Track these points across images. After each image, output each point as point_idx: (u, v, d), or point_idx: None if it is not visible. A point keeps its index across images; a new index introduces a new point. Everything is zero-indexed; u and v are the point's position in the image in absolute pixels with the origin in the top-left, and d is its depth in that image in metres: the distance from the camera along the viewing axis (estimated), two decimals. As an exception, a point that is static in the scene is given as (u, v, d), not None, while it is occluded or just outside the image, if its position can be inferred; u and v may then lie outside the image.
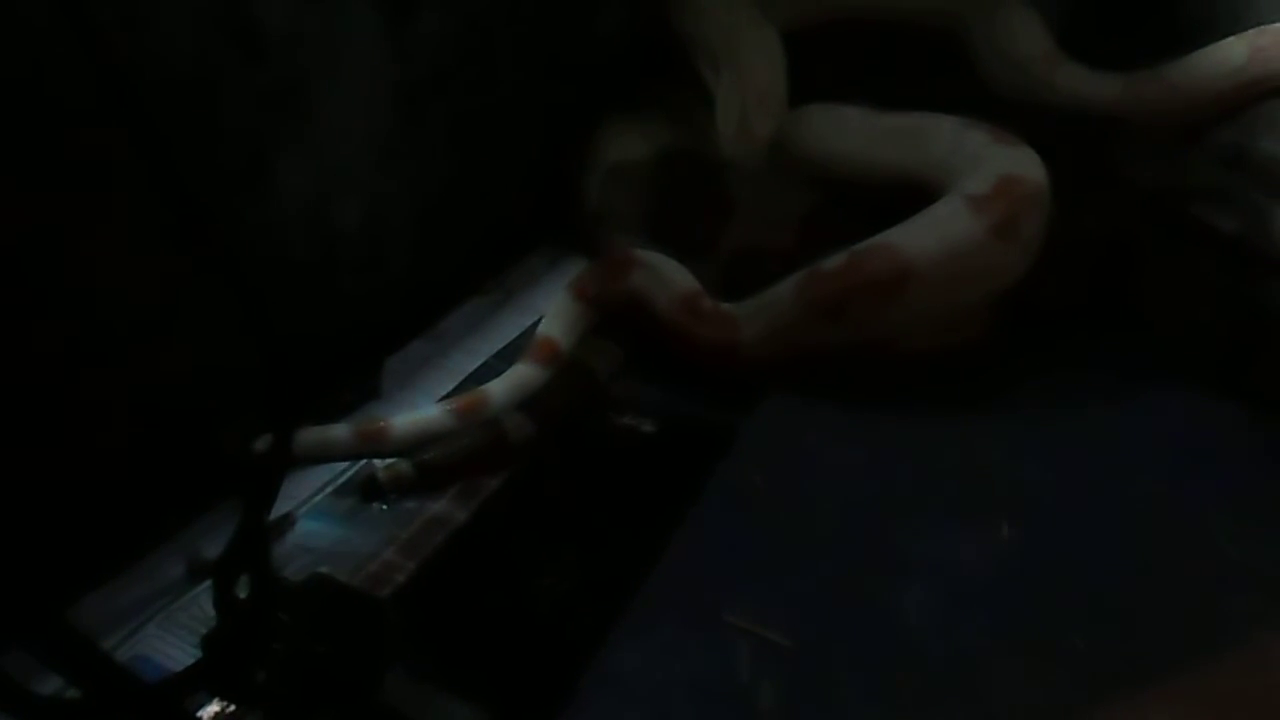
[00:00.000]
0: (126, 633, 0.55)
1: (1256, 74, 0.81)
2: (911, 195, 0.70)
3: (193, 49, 0.58)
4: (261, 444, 0.61)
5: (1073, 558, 0.57)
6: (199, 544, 0.58)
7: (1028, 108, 0.86)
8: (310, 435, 0.65)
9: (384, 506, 0.63)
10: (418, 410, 0.68)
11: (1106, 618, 0.54)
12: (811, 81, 0.83)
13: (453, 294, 0.82)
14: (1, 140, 0.50)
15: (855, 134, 0.79)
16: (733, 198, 0.81)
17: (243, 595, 0.47)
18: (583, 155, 0.86)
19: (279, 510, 0.60)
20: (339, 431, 0.66)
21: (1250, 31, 0.82)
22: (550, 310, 0.75)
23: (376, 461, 0.65)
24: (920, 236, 0.67)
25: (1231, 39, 0.82)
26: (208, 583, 0.49)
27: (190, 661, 0.48)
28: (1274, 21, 0.82)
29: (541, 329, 0.73)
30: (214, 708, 0.49)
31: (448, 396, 0.71)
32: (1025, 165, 0.69)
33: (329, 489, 0.64)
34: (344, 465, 0.66)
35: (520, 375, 0.70)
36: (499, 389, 0.69)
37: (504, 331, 0.78)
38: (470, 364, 0.75)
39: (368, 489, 0.63)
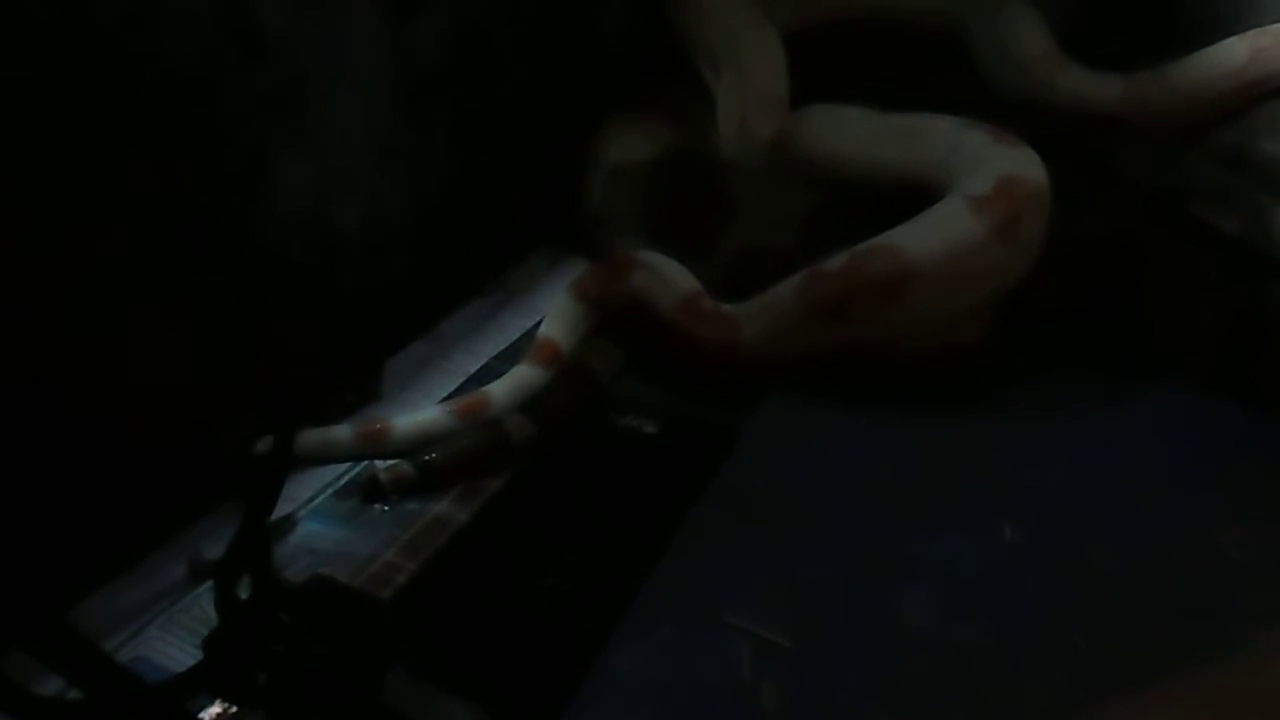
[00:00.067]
0: (128, 634, 0.55)
1: (1257, 74, 0.81)
2: (912, 196, 0.70)
3: (193, 49, 0.58)
4: (262, 445, 0.61)
5: (1073, 558, 0.57)
6: (200, 545, 0.58)
7: (1028, 108, 0.86)
8: (311, 436, 0.65)
9: (385, 508, 0.63)
10: (419, 411, 0.68)
11: (1107, 618, 0.54)
12: (812, 82, 0.83)
13: (453, 295, 0.82)
14: (1, 140, 0.50)
15: (856, 134, 0.79)
16: (734, 198, 0.81)
17: (244, 596, 0.47)
18: (583, 156, 0.86)
19: (280, 511, 0.61)
20: (340, 433, 0.66)
21: (1251, 32, 0.82)
22: (551, 311, 0.74)
23: (378, 463, 0.65)
24: (921, 237, 0.67)
25: (1232, 39, 0.82)
26: (209, 584, 0.49)
27: (191, 663, 0.48)
28: (1275, 21, 0.82)
29: (542, 330, 0.73)
30: (215, 709, 0.49)
31: (449, 398, 0.71)
32: (1026, 166, 0.69)
33: (330, 490, 0.64)
34: (345, 466, 0.66)
35: (521, 376, 0.70)
36: (500, 390, 0.69)
37: (505, 332, 0.78)
38: (471, 365, 0.75)
39: (369, 490, 0.63)
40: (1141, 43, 0.87)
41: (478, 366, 0.75)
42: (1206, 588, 0.55)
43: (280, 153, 0.64)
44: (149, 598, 0.57)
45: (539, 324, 0.75)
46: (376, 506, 0.63)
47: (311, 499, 0.64)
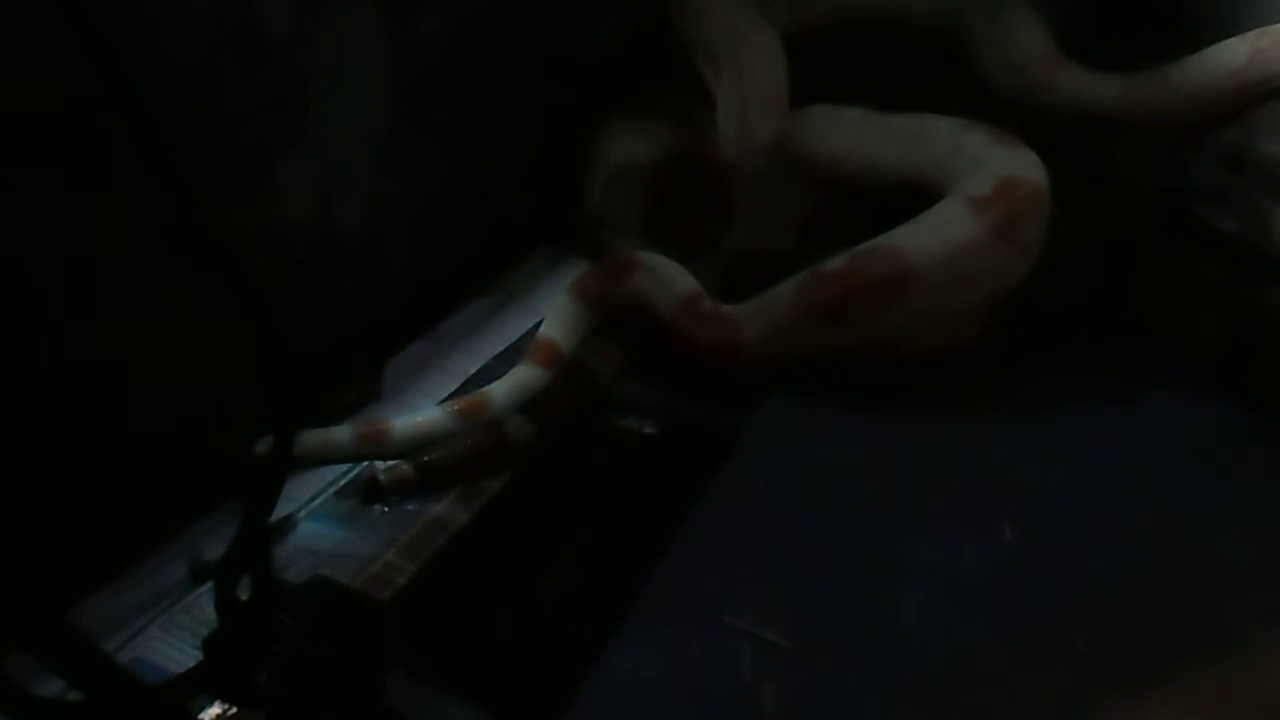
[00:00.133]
0: (128, 635, 0.55)
1: (1257, 75, 0.81)
2: (912, 197, 0.70)
3: (193, 49, 0.58)
4: (262, 446, 0.61)
5: (1073, 559, 0.57)
6: (200, 546, 0.58)
7: (1028, 109, 0.86)
8: (311, 437, 0.65)
9: (385, 508, 0.63)
10: (419, 412, 0.68)
11: (1107, 619, 0.54)
12: (812, 83, 0.83)
13: (453, 295, 0.82)
14: (1, 140, 0.50)
15: (856, 135, 0.79)
16: (734, 199, 0.81)
17: (244, 597, 0.47)
18: (584, 156, 0.86)
19: (280, 512, 0.61)
20: (340, 433, 0.66)
21: (1251, 32, 0.82)
22: (551, 312, 0.74)
23: (378, 463, 0.65)
24: (921, 238, 0.67)
25: (1232, 40, 0.82)
26: (209, 585, 0.49)
27: (191, 663, 0.48)
28: (1275, 22, 0.82)
29: (542, 331, 0.73)
30: (215, 710, 0.49)
31: (449, 398, 0.71)
32: (1026, 167, 0.69)
33: (330, 491, 0.64)
34: (345, 467, 0.66)
35: (521, 377, 0.70)
36: (500, 391, 0.69)
37: (505, 333, 0.78)
38: (471, 366, 0.75)
39: (369, 491, 0.63)
40: (1141, 43, 0.87)
41: (478, 367, 0.75)
42: (1206, 588, 0.55)
43: (280, 153, 0.64)
44: (149, 598, 0.57)
45: (539, 325, 0.74)
46: (376, 507, 0.63)
47: (312, 500, 0.64)
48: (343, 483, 0.65)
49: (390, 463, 0.64)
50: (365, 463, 0.66)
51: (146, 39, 0.55)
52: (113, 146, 0.48)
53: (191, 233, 0.45)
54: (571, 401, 0.70)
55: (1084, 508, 0.61)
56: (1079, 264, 0.73)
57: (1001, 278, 0.68)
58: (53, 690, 0.46)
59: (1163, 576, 0.56)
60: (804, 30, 0.87)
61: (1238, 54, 0.81)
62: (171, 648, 0.54)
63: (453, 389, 0.73)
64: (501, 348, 0.77)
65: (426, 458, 0.64)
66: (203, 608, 0.55)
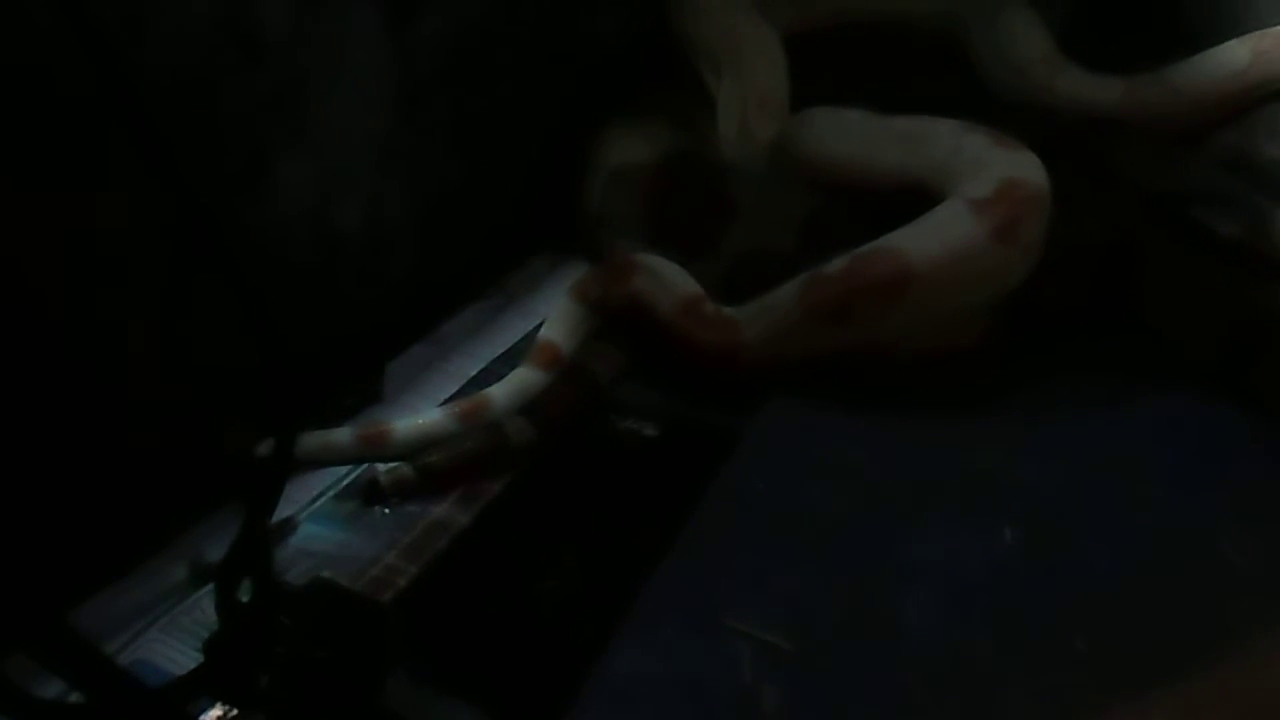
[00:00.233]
0: (128, 637, 0.55)
1: (1258, 77, 0.81)
2: (913, 199, 0.70)
3: (193, 49, 0.57)
4: (263, 448, 0.61)
5: (1074, 560, 0.57)
6: (201, 548, 0.58)
7: (1029, 111, 0.86)
8: (312, 439, 0.65)
9: (386, 510, 0.63)
10: (419, 414, 0.68)
11: (1107, 620, 0.54)
12: (812, 84, 0.83)
13: (454, 297, 0.82)
14: (2, 140, 0.50)
15: (856, 137, 0.79)
16: (734, 201, 0.81)
17: (245, 599, 0.47)
18: (584, 158, 0.86)
19: (281, 514, 0.61)
20: (341, 435, 0.66)
21: (1252, 34, 0.83)
22: (552, 314, 0.75)
23: (378, 465, 0.65)
24: (922, 240, 0.67)
25: (1233, 42, 0.83)
26: (210, 587, 0.49)
27: (192, 665, 0.48)
28: (1275, 24, 0.83)
29: (543, 333, 0.73)
30: (216, 712, 0.49)
31: (449, 400, 0.71)
32: (1026, 169, 0.69)
33: (331, 493, 0.64)
34: (346, 469, 0.66)
35: (522, 379, 0.70)
36: (500, 393, 0.69)
37: (505, 335, 0.78)
38: (472, 368, 0.75)
39: (370, 493, 0.63)
40: (1141, 45, 0.87)
41: (478, 369, 0.75)
42: (1206, 589, 0.55)
43: (280, 153, 0.64)
44: (150, 600, 0.56)
45: (539, 327, 0.75)
46: (377, 509, 0.63)
47: (312, 502, 0.63)
48: (343, 485, 0.65)
49: (391, 465, 0.64)
50: (366, 465, 0.66)
51: (146, 39, 0.55)
52: (113, 146, 0.48)
53: (191, 233, 0.45)
54: (572, 403, 0.70)
55: (1084, 508, 0.61)
56: (1079, 265, 0.73)
57: (1002, 279, 0.68)
58: (53, 692, 0.46)
59: (1163, 577, 0.56)
60: (804, 32, 0.87)
61: (1238, 56, 0.82)
62: (172, 649, 0.54)
63: (453, 391, 0.73)
64: (502, 350, 0.77)
65: (427, 460, 0.64)
66: (204, 609, 0.55)
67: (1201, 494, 0.61)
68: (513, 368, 0.71)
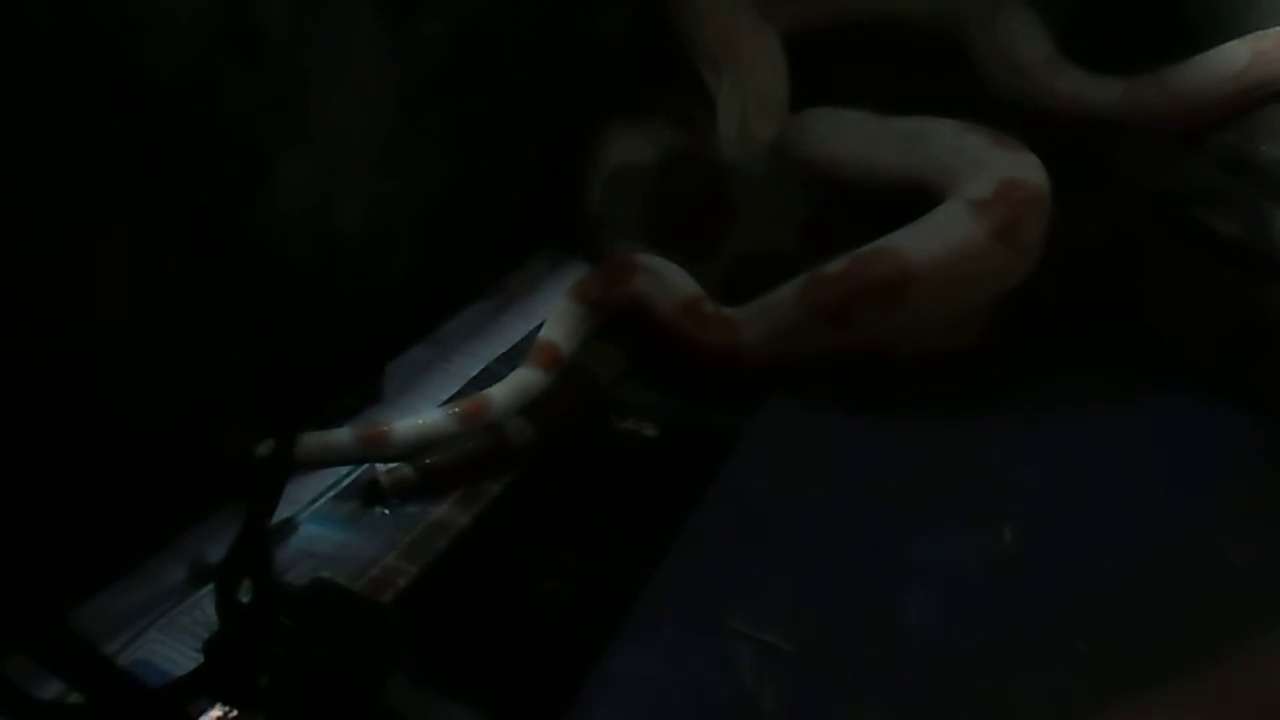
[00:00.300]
0: (128, 637, 0.54)
1: (1258, 77, 0.81)
2: (913, 199, 0.70)
3: (193, 50, 0.58)
4: (263, 448, 0.61)
5: (1074, 560, 0.57)
6: (201, 548, 0.58)
7: (1028, 111, 0.86)
8: (312, 440, 0.65)
9: (386, 511, 0.63)
10: (419, 414, 0.68)
11: (1107, 620, 0.54)
12: (812, 85, 0.83)
13: (454, 297, 0.82)
14: (1, 140, 0.50)
15: (856, 137, 0.79)
16: (734, 201, 0.81)
17: (245, 600, 0.47)
18: (584, 158, 0.86)
19: (281, 515, 0.61)
20: (341, 436, 0.66)
21: (1251, 35, 0.83)
22: (552, 314, 0.74)
23: (378, 466, 0.65)
24: (922, 240, 0.67)
25: (1233, 42, 0.83)
26: (210, 587, 0.49)
27: (192, 666, 0.48)
28: (1275, 24, 0.83)
29: (543, 333, 0.73)
30: (216, 712, 0.49)
31: (449, 401, 0.71)
32: (1026, 169, 0.69)
33: (331, 493, 0.64)
34: (346, 470, 0.66)
35: (522, 379, 0.70)
36: (501, 393, 0.69)
37: (505, 336, 0.78)
38: (472, 368, 0.75)
39: (370, 493, 0.63)
40: (1141, 46, 0.87)
41: (478, 369, 0.75)
42: (1206, 589, 0.55)
43: (280, 153, 0.64)
44: (150, 601, 0.56)
45: (539, 327, 0.74)
46: (377, 510, 0.63)
47: (312, 502, 0.63)
48: (343, 485, 0.65)
49: (391, 465, 0.64)
50: (366, 465, 0.66)
51: (146, 39, 0.55)
52: (113, 146, 0.48)
53: (191, 233, 0.45)
54: (572, 404, 0.70)
55: (1084, 509, 0.61)
56: (1079, 266, 0.73)
57: (1002, 279, 0.68)
58: (53, 692, 0.46)
59: (1163, 577, 0.56)
60: (804, 32, 0.87)
61: (1238, 56, 0.82)
62: (172, 650, 0.54)
63: (453, 391, 0.73)
64: (502, 350, 0.77)
65: (427, 460, 0.64)
66: (204, 610, 0.55)
67: (1201, 494, 0.61)
68: (513, 368, 0.71)
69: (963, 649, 0.52)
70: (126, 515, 0.57)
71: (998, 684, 0.51)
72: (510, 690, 0.52)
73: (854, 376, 0.69)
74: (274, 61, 0.62)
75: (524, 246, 0.88)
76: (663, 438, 0.68)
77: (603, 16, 0.88)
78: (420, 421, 0.67)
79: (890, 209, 0.69)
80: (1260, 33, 0.82)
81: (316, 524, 0.62)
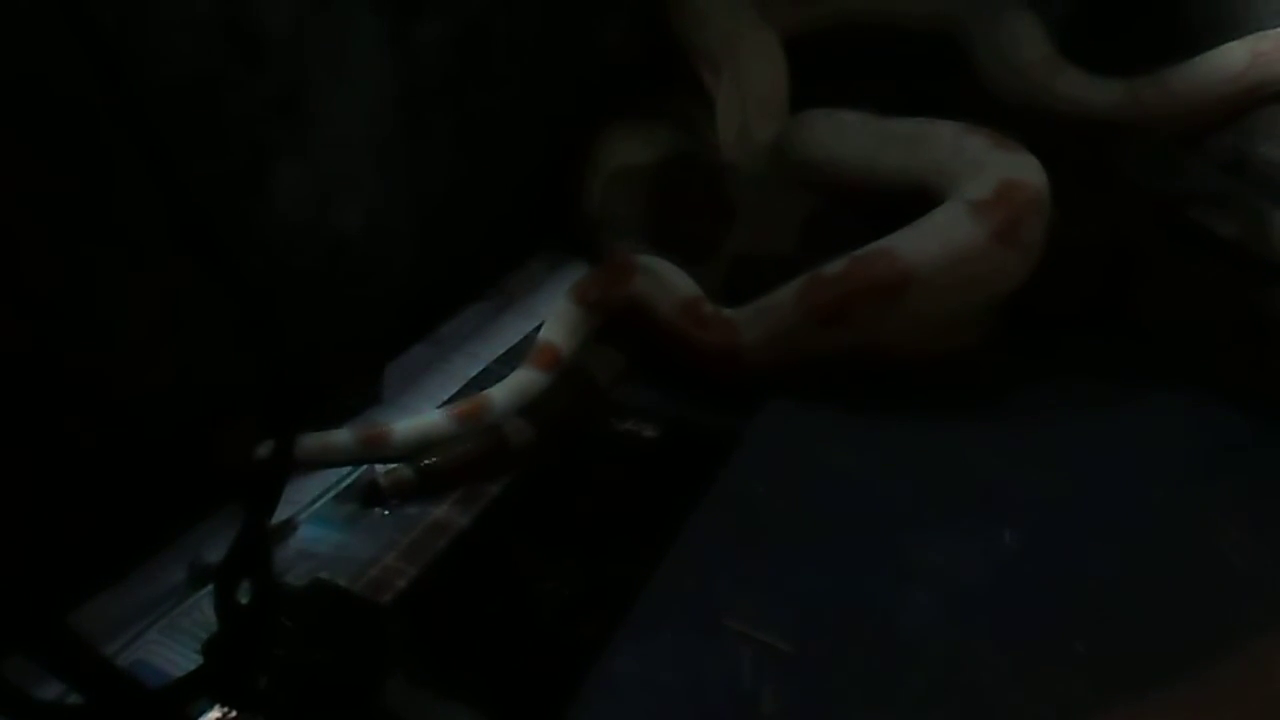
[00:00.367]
0: (128, 638, 0.55)
1: (1257, 79, 0.81)
2: (912, 200, 0.70)
3: (193, 49, 0.58)
4: (263, 449, 0.61)
5: (1074, 563, 0.57)
6: (200, 549, 0.58)
7: (1028, 113, 0.86)
8: (311, 440, 0.65)
9: (385, 512, 0.63)
10: (419, 415, 0.68)
11: (1108, 623, 0.54)
12: (812, 86, 0.83)
13: (454, 298, 0.82)
14: (2, 141, 0.50)
15: (856, 139, 0.79)
16: (734, 203, 0.81)
17: (244, 601, 0.47)
18: (584, 160, 0.86)
19: (280, 516, 0.61)
20: (340, 436, 0.66)
21: (1250, 36, 0.83)
22: (551, 315, 0.74)
23: (378, 466, 0.65)
24: (921, 242, 0.67)
25: (1232, 44, 0.83)
26: (209, 588, 0.49)
27: (191, 667, 0.48)
28: (1274, 26, 0.83)
29: (543, 334, 0.73)
30: (215, 713, 0.49)
31: (449, 401, 0.71)
32: (1026, 170, 0.69)
33: (330, 494, 0.64)
34: (345, 471, 0.66)
35: (521, 380, 0.70)
36: (500, 394, 0.69)
37: (505, 336, 0.78)
38: (471, 369, 0.75)
39: (369, 494, 0.63)
40: (1141, 47, 0.87)
41: (478, 370, 0.75)
42: (1207, 592, 0.55)
43: (281, 156, 0.64)
44: (149, 602, 0.57)
45: (539, 328, 0.74)
46: (377, 511, 0.63)
47: (312, 503, 0.63)
48: (343, 486, 0.65)
49: (390, 466, 0.64)
50: (365, 466, 0.66)
51: (146, 39, 0.55)
52: (113, 148, 0.48)
53: (192, 235, 0.45)
54: (572, 405, 0.70)
55: (1084, 511, 0.61)
56: (1079, 267, 0.72)
57: (1001, 281, 0.68)
58: (52, 693, 0.46)
59: (1163, 580, 0.56)
60: (804, 33, 0.87)
61: (1237, 58, 0.82)
62: (172, 651, 0.54)
63: (453, 392, 0.73)
64: (502, 351, 0.77)
65: (427, 461, 0.64)
66: (203, 611, 0.55)
67: (1202, 496, 0.61)
68: (512, 369, 0.71)
69: (963, 650, 0.52)
70: (126, 516, 0.57)
71: (998, 688, 0.51)
72: (510, 690, 0.52)
73: (854, 378, 0.68)
74: (275, 62, 0.62)
75: (524, 247, 0.88)
76: (662, 439, 0.68)
77: (602, 18, 0.88)
78: (420, 422, 0.67)
79: (890, 210, 0.69)
80: (1259, 34, 0.82)
81: (316, 525, 0.62)
